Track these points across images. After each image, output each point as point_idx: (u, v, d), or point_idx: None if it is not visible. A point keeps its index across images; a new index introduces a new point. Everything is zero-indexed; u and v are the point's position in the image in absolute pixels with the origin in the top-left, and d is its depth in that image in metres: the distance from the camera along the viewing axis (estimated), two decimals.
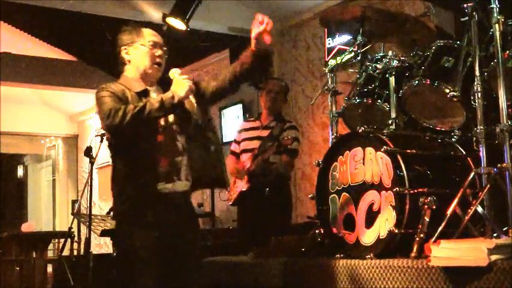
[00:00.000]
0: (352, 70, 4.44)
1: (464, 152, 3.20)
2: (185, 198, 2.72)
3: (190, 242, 2.69)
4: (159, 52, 2.73)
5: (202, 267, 2.76)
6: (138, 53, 2.72)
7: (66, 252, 5.93)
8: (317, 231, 3.39)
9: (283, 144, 4.44)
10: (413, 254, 2.73)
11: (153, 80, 2.77)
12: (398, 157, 2.93)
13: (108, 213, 4.77)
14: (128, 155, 2.61)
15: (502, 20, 2.90)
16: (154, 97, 2.65)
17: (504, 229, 2.67)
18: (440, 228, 2.70)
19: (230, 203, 4.87)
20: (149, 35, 2.75)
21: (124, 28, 2.78)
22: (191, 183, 2.71)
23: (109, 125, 2.50)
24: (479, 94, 2.91)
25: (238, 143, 4.92)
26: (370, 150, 3.10)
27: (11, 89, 8.59)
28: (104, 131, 3.47)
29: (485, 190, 2.75)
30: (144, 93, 2.68)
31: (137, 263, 2.52)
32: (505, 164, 2.72)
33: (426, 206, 2.80)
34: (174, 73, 2.70)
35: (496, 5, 2.90)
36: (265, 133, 4.71)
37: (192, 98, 2.73)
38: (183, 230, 2.66)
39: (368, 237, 3.03)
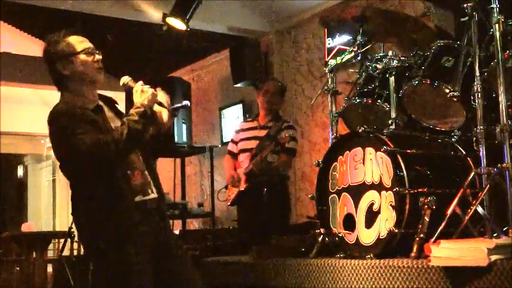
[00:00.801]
0: (352, 70, 4.44)
1: (464, 152, 3.20)
2: (157, 205, 2.61)
3: (175, 245, 2.62)
4: (97, 57, 2.59)
5: (189, 266, 2.65)
6: (78, 65, 2.54)
7: (66, 252, 5.92)
8: (317, 231, 3.39)
9: (280, 143, 4.45)
10: (413, 254, 2.73)
11: (98, 86, 2.63)
12: (398, 157, 2.93)
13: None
14: (101, 174, 2.44)
15: (502, 20, 2.89)
16: (109, 114, 2.57)
17: (504, 229, 2.67)
18: (440, 228, 2.70)
19: (228, 204, 4.88)
20: (79, 43, 2.58)
21: (48, 41, 2.58)
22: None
23: (97, 158, 2.36)
24: (479, 94, 2.91)
25: (235, 143, 4.94)
26: (370, 150, 3.10)
27: (11, 89, 8.59)
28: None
29: (485, 190, 2.75)
30: (99, 110, 2.55)
31: (132, 275, 2.42)
32: (505, 164, 2.72)
33: (426, 206, 2.80)
34: (127, 81, 2.59)
35: (496, 5, 2.89)
36: (263, 133, 4.72)
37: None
38: (164, 236, 2.59)
39: (368, 237, 3.03)
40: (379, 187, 3.01)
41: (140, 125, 2.44)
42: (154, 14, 5.91)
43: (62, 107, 2.49)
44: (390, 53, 3.70)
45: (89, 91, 2.59)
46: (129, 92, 2.65)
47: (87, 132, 2.38)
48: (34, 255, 6.16)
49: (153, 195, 2.57)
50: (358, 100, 3.75)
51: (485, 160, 2.84)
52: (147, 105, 2.50)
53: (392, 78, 3.58)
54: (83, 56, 2.56)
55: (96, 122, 2.47)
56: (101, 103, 2.60)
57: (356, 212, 3.12)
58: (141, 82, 2.58)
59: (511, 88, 2.91)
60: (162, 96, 2.61)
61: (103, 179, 2.45)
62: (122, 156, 2.45)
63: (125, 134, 2.40)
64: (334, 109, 3.87)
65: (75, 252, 6.01)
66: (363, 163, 3.12)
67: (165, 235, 2.61)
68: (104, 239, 2.46)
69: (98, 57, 2.60)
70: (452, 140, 3.33)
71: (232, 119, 7.26)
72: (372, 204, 3.04)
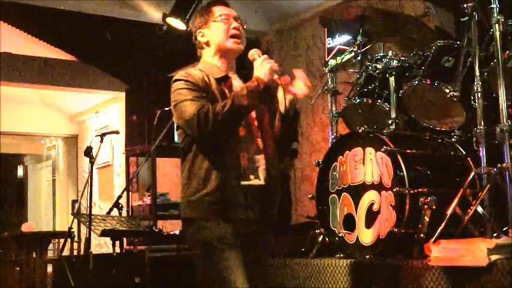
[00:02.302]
0: (352, 70, 4.44)
1: (464, 152, 3.20)
2: (264, 192, 2.41)
3: (259, 243, 2.48)
4: (234, 24, 2.51)
5: (266, 269, 2.58)
6: (213, 31, 2.52)
7: (66, 252, 5.92)
8: (317, 231, 3.39)
9: None
10: (413, 254, 2.73)
11: (234, 56, 2.56)
12: (399, 157, 2.93)
13: (108, 213, 4.76)
14: (206, 147, 2.37)
15: (502, 20, 2.90)
16: (235, 85, 2.48)
17: (504, 229, 2.67)
18: (440, 228, 2.70)
19: None
20: (219, 10, 2.54)
21: (196, 12, 2.58)
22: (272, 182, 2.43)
23: (197, 127, 2.28)
24: (479, 94, 2.91)
25: None
26: (370, 150, 3.10)
27: (11, 89, 8.59)
28: (104, 132, 3.33)
29: (485, 190, 2.76)
30: (225, 79, 2.46)
31: (222, 258, 2.29)
32: (505, 164, 2.72)
33: (426, 206, 2.81)
34: (254, 54, 2.46)
35: (496, 5, 2.90)
36: None
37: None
38: (254, 228, 2.41)
39: (368, 237, 3.03)
40: (379, 187, 3.01)
41: (246, 100, 2.31)
42: (154, 14, 5.91)
43: (190, 70, 2.48)
44: (390, 53, 3.70)
45: (222, 61, 2.54)
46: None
47: (196, 101, 2.33)
48: (34, 255, 6.15)
49: (257, 181, 2.39)
50: (358, 100, 3.75)
51: (485, 160, 2.84)
52: (261, 80, 2.35)
53: (392, 78, 3.58)
54: (218, 23, 2.52)
55: (214, 90, 2.40)
56: (231, 75, 2.52)
57: (356, 212, 3.12)
58: (265, 56, 2.44)
59: (511, 88, 2.92)
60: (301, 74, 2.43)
61: (206, 151, 2.37)
62: (222, 129, 2.31)
63: (227, 107, 2.29)
64: (334, 109, 3.87)
65: (75, 252, 6.01)
66: (363, 163, 3.12)
67: (254, 230, 2.41)
68: (194, 211, 2.37)
69: (236, 24, 2.51)
70: (452, 140, 3.32)
71: None
72: (372, 204, 3.04)
